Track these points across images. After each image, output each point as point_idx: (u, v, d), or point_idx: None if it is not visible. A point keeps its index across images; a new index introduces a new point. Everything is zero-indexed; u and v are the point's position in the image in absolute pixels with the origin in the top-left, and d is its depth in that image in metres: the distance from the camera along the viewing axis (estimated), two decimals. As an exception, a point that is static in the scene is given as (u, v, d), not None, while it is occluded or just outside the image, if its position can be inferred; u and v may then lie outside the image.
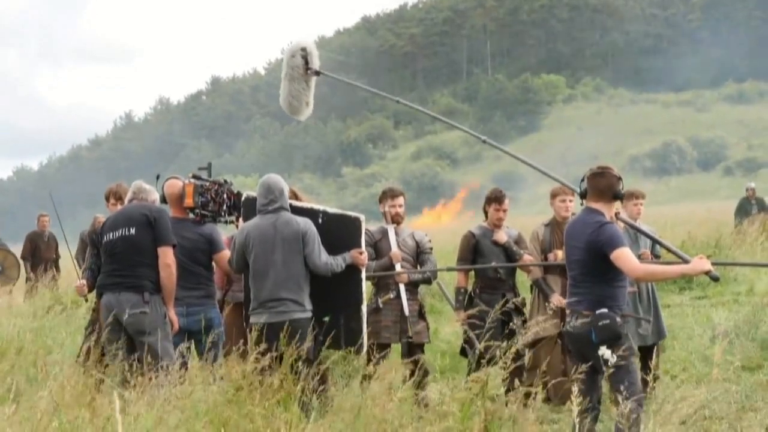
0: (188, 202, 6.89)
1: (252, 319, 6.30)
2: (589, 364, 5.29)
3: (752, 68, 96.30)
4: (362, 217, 6.62)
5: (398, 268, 7.44)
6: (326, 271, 6.30)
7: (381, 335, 7.26)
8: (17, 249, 16.13)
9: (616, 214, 5.90)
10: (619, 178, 5.68)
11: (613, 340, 5.39)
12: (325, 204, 7.17)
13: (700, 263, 5.34)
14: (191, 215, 6.97)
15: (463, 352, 7.81)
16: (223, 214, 7.13)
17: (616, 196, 5.68)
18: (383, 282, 7.46)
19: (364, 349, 6.49)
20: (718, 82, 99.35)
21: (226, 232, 7.77)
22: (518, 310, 7.63)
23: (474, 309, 7.10)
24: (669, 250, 6.12)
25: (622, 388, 5.36)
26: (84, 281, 7.36)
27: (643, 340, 7.83)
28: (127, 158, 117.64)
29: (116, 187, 7.81)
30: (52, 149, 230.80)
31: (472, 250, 7.83)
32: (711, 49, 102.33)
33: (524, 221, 15.06)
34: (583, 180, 5.77)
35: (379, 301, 7.34)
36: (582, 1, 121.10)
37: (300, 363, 5.67)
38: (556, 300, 7.46)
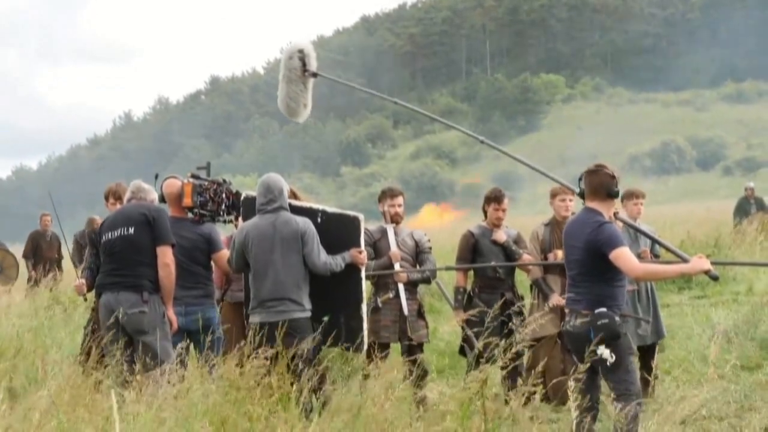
0: (187, 201, 6.89)
1: (251, 319, 6.30)
2: (587, 365, 5.29)
3: (751, 68, 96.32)
4: (361, 217, 6.62)
5: (397, 267, 7.44)
6: (325, 270, 6.30)
7: (380, 335, 7.26)
8: (16, 248, 16.13)
9: (615, 214, 5.90)
10: (614, 176, 5.67)
11: (612, 339, 5.39)
12: (324, 203, 7.17)
13: (700, 262, 5.34)
14: (190, 215, 6.97)
15: (462, 352, 7.82)
16: (221, 213, 7.13)
17: (611, 194, 5.66)
18: (382, 281, 7.46)
19: (364, 348, 6.49)
20: (717, 81, 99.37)
21: (224, 231, 7.77)
22: (519, 313, 7.64)
23: (473, 309, 7.11)
24: (668, 249, 6.12)
25: (620, 387, 5.37)
26: (83, 280, 7.36)
27: (642, 339, 7.83)
28: (126, 158, 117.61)
29: (116, 186, 7.80)
30: (51, 149, 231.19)
31: (472, 250, 7.83)
32: (710, 48, 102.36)
33: (523, 221, 15.07)
34: (580, 179, 5.78)
35: (379, 300, 7.34)
36: (581, 0, 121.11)
37: (299, 362, 5.68)
38: (556, 300, 7.46)
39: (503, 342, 5.46)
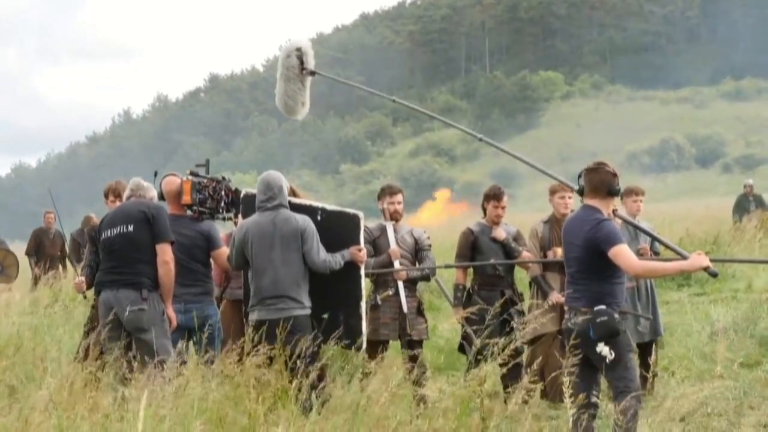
0: (186, 199, 6.90)
1: (251, 316, 6.30)
2: (580, 357, 5.29)
3: (750, 65, 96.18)
4: (361, 215, 6.63)
5: (397, 265, 7.44)
6: (325, 268, 6.30)
7: (379, 332, 7.26)
8: (15, 246, 16.12)
9: (614, 211, 5.90)
10: (614, 174, 5.68)
11: (611, 336, 5.39)
12: (323, 201, 7.17)
13: (699, 259, 5.34)
14: (189, 212, 6.97)
15: (462, 349, 7.82)
16: (221, 211, 7.14)
17: (611, 192, 5.67)
18: (382, 279, 7.47)
19: (364, 345, 6.49)
20: (716, 79, 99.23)
21: (224, 229, 7.77)
22: (520, 312, 7.65)
23: (473, 306, 7.11)
24: (667, 246, 6.13)
25: (620, 384, 5.37)
26: (83, 278, 7.37)
27: (640, 337, 7.84)
28: (125, 156, 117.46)
29: (115, 184, 7.81)
30: (50, 147, 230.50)
31: (471, 247, 7.84)
32: (709, 46, 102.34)
33: (522, 218, 15.08)
34: (580, 177, 5.78)
35: (378, 298, 7.35)
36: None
37: (299, 360, 5.68)
38: (555, 297, 7.46)
39: (503, 340, 5.46)
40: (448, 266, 8.27)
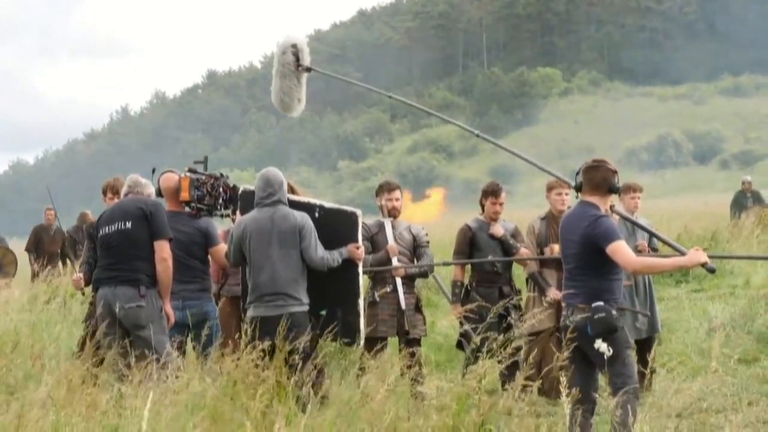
0: (184, 195, 6.90)
1: (249, 313, 6.30)
2: (577, 353, 5.29)
3: (749, 61, 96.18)
4: (359, 212, 6.63)
5: (395, 261, 7.44)
6: (323, 265, 6.30)
7: (378, 329, 7.26)
8: (12, 243, 16.09)
9: (611, 207, 5.90)
10: (615, 172, 5.68)
11: (609, 333, 5.39)
12: (321, 198, 7.17)
13: (696, 255, 5.34)
14: (187, 209, 6.97)
15: (460, 346, 7.82)
16: (219, 207, 7.14)
17: (612, 190, 5.67)
18: (380, 276, 7.47)
19: (361, 342, 6.50)
20: (714, 75, 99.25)
21: (222, 225, 7.77)
22: (517, 306, 7.65)
23: (471, 303, 7.12)
24: (665, 242, 6.13)
25: (618, 380, 5.37)
26: (81, 275, 7.37)
27: (638, 333, 7.84)
28: (123, 152, 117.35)
29: (114, 181, 7.80)
30: (48, 143, 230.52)
31: (469, 244, 7.84)
32: (707, 42, 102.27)
33: (520, 215, 15.07)
34: (578, 173, 5.77)
35: (376, 294, 7.35)
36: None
37: (297, 357, 5.68)
38: (553, 294, 7.46)
39: (501, 337, 5.46)
40: (446, 263, 8.27)
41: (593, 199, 5.64)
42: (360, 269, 6.57)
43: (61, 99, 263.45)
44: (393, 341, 7.71)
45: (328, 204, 6.68)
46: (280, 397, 5.07)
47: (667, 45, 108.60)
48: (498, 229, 7.78)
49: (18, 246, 16.40)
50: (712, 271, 5.52)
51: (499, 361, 5.16)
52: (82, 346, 6.89)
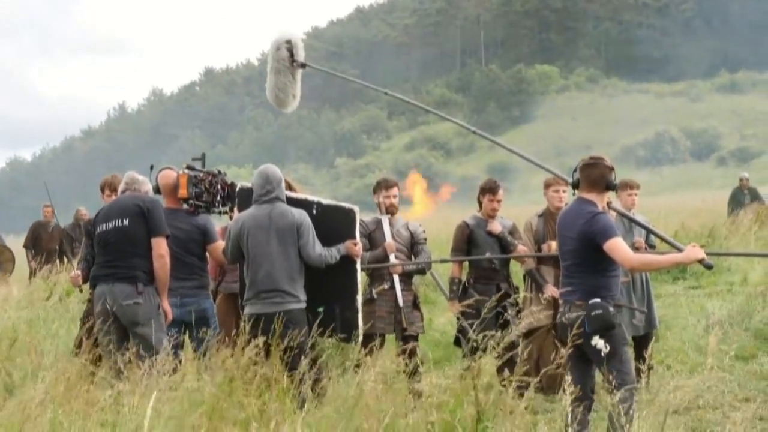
0: (182, 192, 6.89)
1: (246, 310, 6.30)
2: (575, 350, 5.30)
3: (745, 58, 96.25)
4: (356, 209, 6.62)
5: (392, 258, 7.44)
6: (320, 262, 6.30)
7: (375, 326, 7.26)
8: (9, 240, 16.07)
9: (608, 204, 5.90)
10: (612, 169, 5.68)
11: (606, 329, 5.40)
12: (318, 195, 7.17)
13: (694, 252, 5.34)
14: (185, 206, 6.96)
15: (457, 342, 7.82)
16: (216, 204, 7.13)
17: (609, 187, 5.68)
18: (377, 273, 7.47)
19: (360, 339, 6.50)
20: (711, 72, 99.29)
21: (219, 222, 7.76)
22: (514, 304, 7.65)
23: (468, 299, 7.12)
24: (662, 239, 6.13)
25: (615, 377, 5.37)
26: (78, 272, 7.37)
27: (635, 330, 7.84)
28: (121, 149, 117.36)
29: (111, 178, 7.79)
30: (45, 140, 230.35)
31: (467, 241, 7.83)
32: (704, 39, 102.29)
33: (517, 212, 15.08)
34: (575, 170, 5.77)
35: (374, 291, 7.34)
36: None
37: (294, 353, 5.68)
38: (550, 291, 7.46)
39: (499, 333, 5.46)
40: (443, 260, 8.27)
41: (590, 196, 5.65)
42: (358, 266, 6.57)
43: (60, 97, 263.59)
44: (390, 338, 7.71)
45: (325, 201, 6.68)
46: (279, 394, 5.07)
47: (664, 42, 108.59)
48: (496, 226, 7.78)
49: (16, 243, 16.39)
50: (709, 267, 5.52)
51: (496, 358, 5.16)
52: (80, 343, 6.88)
